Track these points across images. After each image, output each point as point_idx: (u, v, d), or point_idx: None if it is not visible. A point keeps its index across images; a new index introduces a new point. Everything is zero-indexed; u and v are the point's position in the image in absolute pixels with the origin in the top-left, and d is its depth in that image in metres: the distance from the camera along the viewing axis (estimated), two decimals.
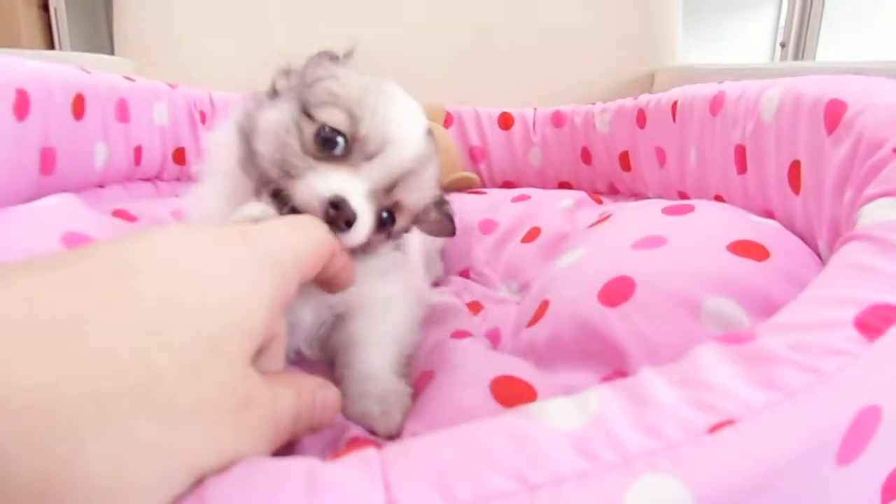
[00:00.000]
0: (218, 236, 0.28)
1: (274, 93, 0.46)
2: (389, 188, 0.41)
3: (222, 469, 0.24)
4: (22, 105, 0.56)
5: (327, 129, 0.40)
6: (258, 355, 0.31)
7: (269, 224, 0.32)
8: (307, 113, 0.41)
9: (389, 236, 0.45)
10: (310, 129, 0.41)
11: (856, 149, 0.40)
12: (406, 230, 0.47)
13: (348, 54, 0.50)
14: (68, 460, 0.18)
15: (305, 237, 0.32)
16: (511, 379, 0.39)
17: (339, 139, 0.40)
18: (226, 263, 0.26)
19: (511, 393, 0.37)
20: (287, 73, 0.48)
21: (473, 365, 0.42)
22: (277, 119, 0.42)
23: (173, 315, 0.23)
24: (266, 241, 0.29)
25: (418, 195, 0.44)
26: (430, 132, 0.45)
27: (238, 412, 0.24)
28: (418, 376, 0.43)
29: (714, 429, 0.23)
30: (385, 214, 0.42)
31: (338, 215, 0.37)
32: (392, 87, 0.45)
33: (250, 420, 0.25)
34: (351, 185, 0.39)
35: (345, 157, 0.40)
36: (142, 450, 0.20)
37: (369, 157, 0.40)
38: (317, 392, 0.31)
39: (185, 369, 0.22)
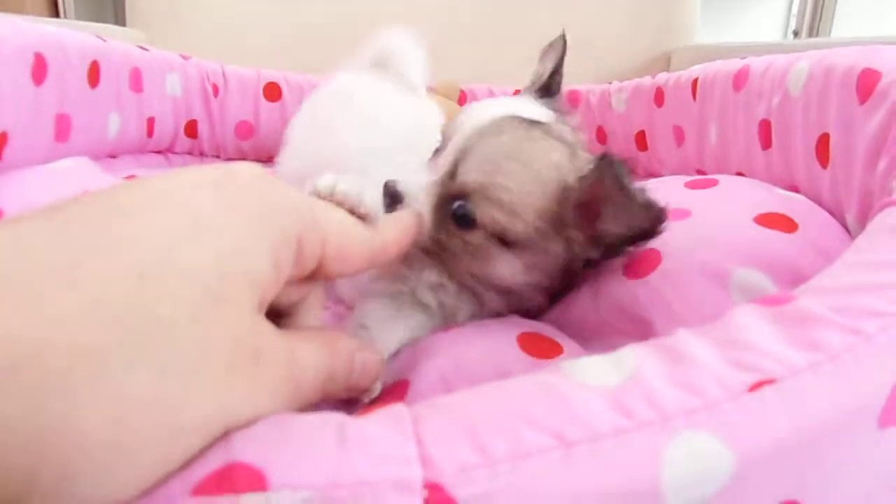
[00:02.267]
0: (219, 176, 0.25)
1: None
2: (454, 172, 0.40)
3: (240, 425, 0.23)
4: (40, 69, 0.55)
5: (458, 211, 0.40)
6: (293, 312, 0.30)
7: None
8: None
9: (470, 233, 0.41)
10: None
11: (891, 117, 0.39)
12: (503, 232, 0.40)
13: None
14: (64, 417, 0.18)
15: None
16: (538, 335, 0.38)
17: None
18: (226, 205, 0.24)
19: (538, 346, 0.37)
20: None
21: (500, 322, 0.41)
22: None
23: (170, 260, 0.21)
24: (275, 187, 0.27)
25: (489, 172, 0.39)
26: (528, 122, 0.42)
27: (246, 364, 0.23)
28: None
29: (754, 387, 0.23)
30: (458, 207, 0.40)
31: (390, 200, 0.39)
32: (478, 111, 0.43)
33: (261, 374, 0.24)
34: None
35: None
36: (142, 404, 0.19)
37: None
38: (356, 353, 0.30)
39: (184, 318, 0.21)
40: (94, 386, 0.18)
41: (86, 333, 0.19)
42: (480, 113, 0.42)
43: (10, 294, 0.18)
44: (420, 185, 0.40)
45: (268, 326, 0.25)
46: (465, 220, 0.39)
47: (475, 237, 0.40)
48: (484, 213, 0.39)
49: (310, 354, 0.27)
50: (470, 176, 0.39)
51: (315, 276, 0.29)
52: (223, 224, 0.24)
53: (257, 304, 0.24)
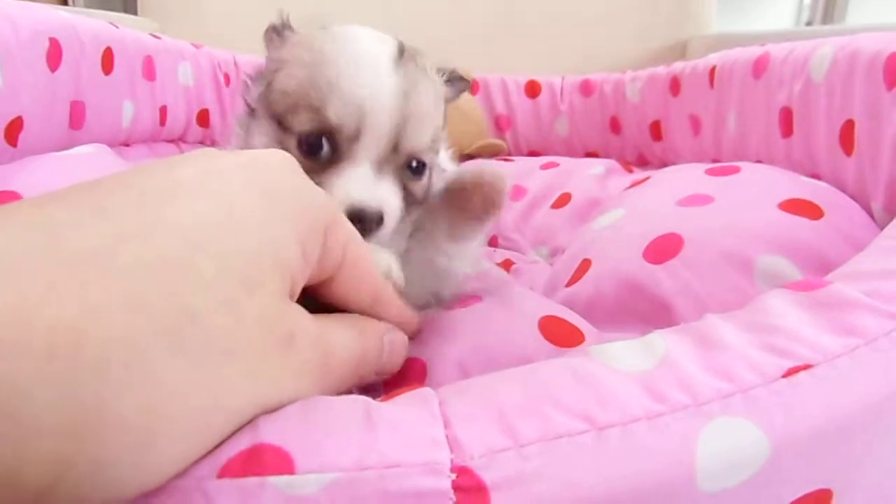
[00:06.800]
0: (251, 159, 0.25)
1: (251, 110, 0.44)
2: (396, 144, 0.39)
3: (273, 408, 0.23)
4: (54, 55, 0.55)
5: (305, 139, 0.38)
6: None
7: None
8: (282, 125, 0.39)
9: (429, 174, 0.43)
10: (292, 144, 0.38)
11: None
12: (436, 152, 0.44)
13: (284, 26, 0.46)
14: (100, 404, 0.18)
15: None
16: (560, 320, 0.38)
17: (322, 142, 0.37)
18: (258, 192, 0.24)
19: (559, 332, 0.36)
20: (251, 81, 0.46)
21: (522, 301, 0.41)
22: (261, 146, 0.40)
23: (203, 249, 0.21)
24: (304, 177, 0.27)
25: (426, 129, 0.40)
26: (402, 52, 0.40)
27: (279, 349, 0.23)
28: (465, 297, 0.42)
29: (790, 373, 0.22)
30: (413, 164, 0.40)
31: (363, 226, 0.35)
32: (341, 37, 0.40)
33: (294, 358, 0.24)
34: (359, 181, 0.37)
35: (338, 152, 0.38)
36: (177, 391, 0.19)
37: (358, 137, 0.37)
38: (384, 335, 0.30)
39: (218, 307, 0.21)
40: (128, 374, 0.18)
41: (120, 323, 0.18)
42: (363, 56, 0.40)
43: (44, 279, 0.18)
44: (375, 188, 0.38)
45: (300, 310, 0.25)
46: (420, 170, 0.41)
47: (425, 175, 0.42)
48: (430, 158, 0.42)
49: (342, 336, 0.27)
50: (417, 143, 0.40)
51: (326, 292, 0.28)
52: (255, 212, 0.23)
53: (288, 290, 0.24)
